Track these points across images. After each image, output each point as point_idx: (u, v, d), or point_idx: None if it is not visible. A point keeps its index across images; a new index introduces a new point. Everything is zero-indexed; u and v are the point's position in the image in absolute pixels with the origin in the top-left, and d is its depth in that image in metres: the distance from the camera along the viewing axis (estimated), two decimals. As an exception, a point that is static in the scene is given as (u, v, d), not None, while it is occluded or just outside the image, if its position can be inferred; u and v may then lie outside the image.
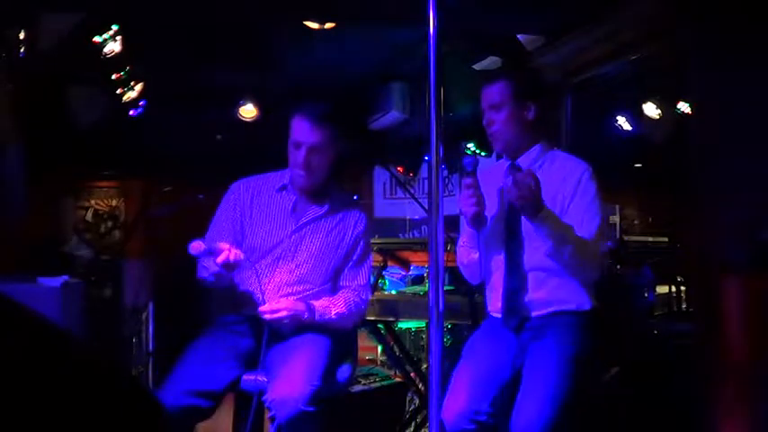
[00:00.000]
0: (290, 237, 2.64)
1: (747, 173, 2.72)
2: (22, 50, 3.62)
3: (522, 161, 2.55)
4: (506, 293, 2.50)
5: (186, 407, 2.31)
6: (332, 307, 2.57)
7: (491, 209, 2.53)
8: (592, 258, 2.42)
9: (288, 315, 2.46)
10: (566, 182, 2.47)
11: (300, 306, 2.51)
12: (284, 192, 2.68)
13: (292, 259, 2.61)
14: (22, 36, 3.63)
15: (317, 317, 2.53)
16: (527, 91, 2.53)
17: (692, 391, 3.04)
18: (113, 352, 4.95)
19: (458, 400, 2.30)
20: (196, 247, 2.38)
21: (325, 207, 2.67)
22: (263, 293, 2.55)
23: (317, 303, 2.55)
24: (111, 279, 5.88)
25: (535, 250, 2.45)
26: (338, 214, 2.69)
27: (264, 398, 2.33)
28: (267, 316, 2.44)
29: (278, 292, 2.57)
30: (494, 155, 6.76)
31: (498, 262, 2.53)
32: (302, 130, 2.57)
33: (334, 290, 2.68)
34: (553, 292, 2.46)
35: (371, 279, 3.11)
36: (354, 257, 2.70)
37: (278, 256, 2.62)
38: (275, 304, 2.47)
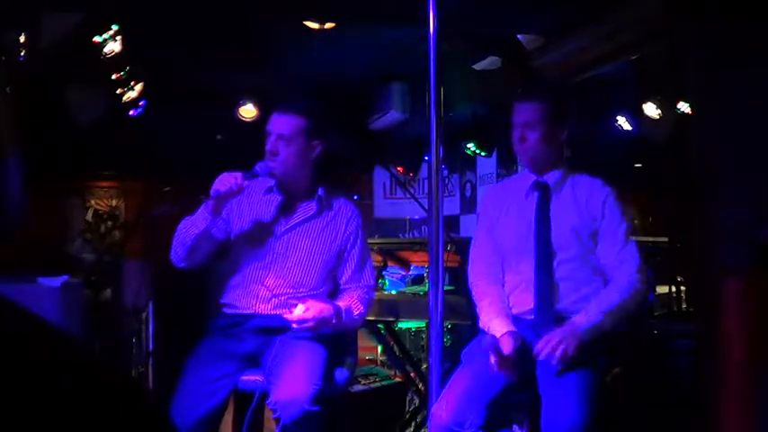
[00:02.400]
0: (279, 239, 2.61)
1: (747, 173, 2.72)
2: (22, 54, 3.61)
3: (549, 178, 2.56)
4: (538, 299, 2.48)
5: None
6: (353, 309, 2.57)
7: (518, 221, 2.54)
8: (643, 298, 2.48)
9: (315, 319, 2.43)
10: (590, 204, 2.50)
11: (328, 311, 2.48)
12: (271, 194, 2.66)
13: (284, 262, 2.59)
14: (22, 39, 3.62)
15: (344, 319, 2.52)
16: (563, 113, 2.57)
17: (692, 391, 3.04)
18: (113, 352, 4.95)
19: (444, 410, 2.30)
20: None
21: (314, 208, 2.64)
22: (255, 297, 2.55)
23: (342, 304, 2.54)
24: (111, 279, 5.88)
25: (567, 261, 2.46)
26: (328, 214, 2.66)
27: (268, 400, 2.33)
28: (295, 325, 2.42)
29: (270, 294, 2.56)
30: (494, 155, 6.77)
31: (525, 272, 2.50)
32: (273, 121, 2.61)
33: (333, 291, 2.66)
34: (582, 301, 2.45)
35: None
36: (355, 258, 2.66)
37: (269, 260, 2.59)
38: (302, 311, 2.43)
